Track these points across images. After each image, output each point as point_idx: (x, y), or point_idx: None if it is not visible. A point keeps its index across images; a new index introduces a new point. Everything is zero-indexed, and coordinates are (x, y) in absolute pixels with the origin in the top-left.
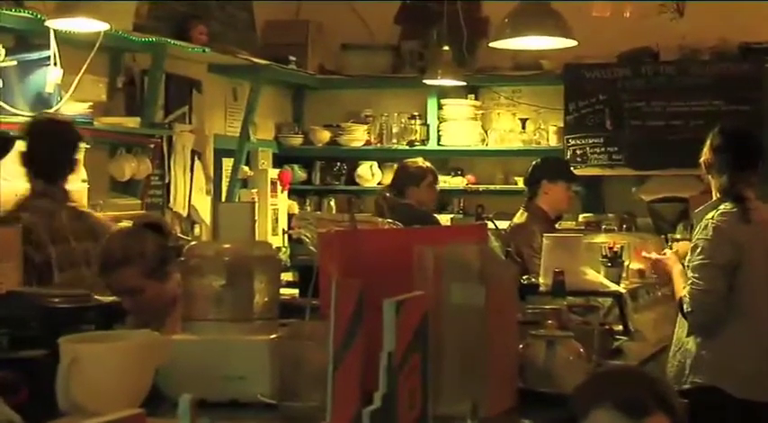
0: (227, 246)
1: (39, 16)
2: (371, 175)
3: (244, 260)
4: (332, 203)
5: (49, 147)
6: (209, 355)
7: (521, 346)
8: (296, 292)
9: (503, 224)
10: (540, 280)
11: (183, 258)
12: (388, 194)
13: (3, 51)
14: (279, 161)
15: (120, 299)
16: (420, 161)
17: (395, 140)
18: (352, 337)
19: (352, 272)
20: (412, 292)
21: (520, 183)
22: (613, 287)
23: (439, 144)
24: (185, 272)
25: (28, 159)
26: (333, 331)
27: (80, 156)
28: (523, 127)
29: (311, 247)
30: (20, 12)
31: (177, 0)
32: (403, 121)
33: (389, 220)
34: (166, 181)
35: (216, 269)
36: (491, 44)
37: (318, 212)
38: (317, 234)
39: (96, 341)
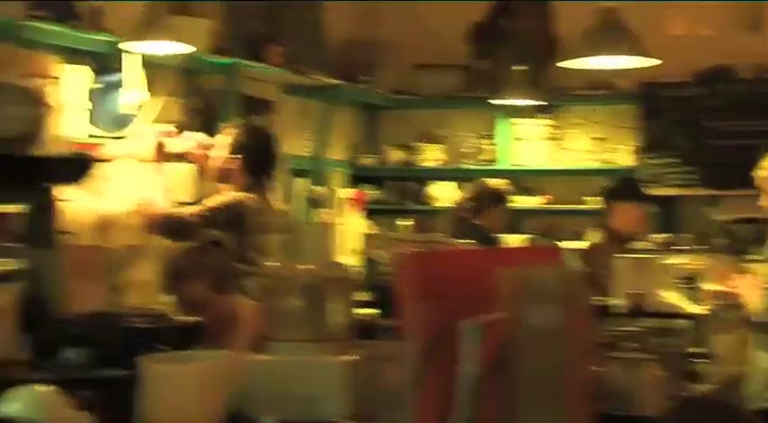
0: (304, 266)
1: (116, 39)
2: (443, 195)
3: (322, 281)
4: (404, 223)
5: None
6: (287, 375)
7: (599, 368)
8: (372, 312)
9: (575, 244)
10: (614, 301)
11: (260, 278)
12: (463, 214)
13: (91, 75)
14: (352, 181)
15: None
16: (498, 182)
17: (466, 160)
18: (431, 359)
19: (428, 293)
20: (490, 315)
21: (592, 202)
22: (691, 309)
23: (512, 164)
24: (265, 293)
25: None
26: (411, 353)
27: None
28: (597, 146)
29: (386, 268)
30: (99, 35)
31: (252, 20)
32: (474, 140)
33: (465, 241)
34: None
35: (294, 290)
36: (564, 64)
37: (394, 233)
38: (393, 254)
39: (175, 361)
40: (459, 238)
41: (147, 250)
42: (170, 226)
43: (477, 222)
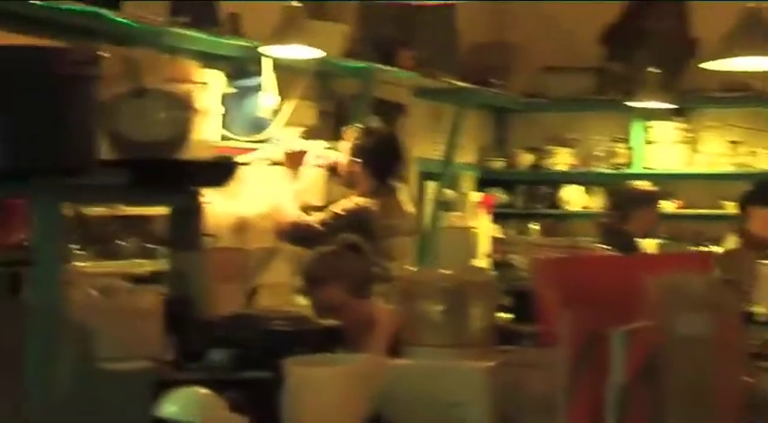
0: (446, 271)
1: (255, 44)
2: (575, 199)
3: (463, 286)
4: (535, 227)
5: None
6: (428, 381)
7: (749, 378)
8: (508, 317)
9: (711, 250)
10: (757, 309)
11: (401, 283)
12: (609, 221)
13: (225, 79)
14: (481, 184)
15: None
16: (645, 184)
17: (598, 164)
18: (582, 367)
19: (570, 299)
20: (637, 322)
21: (729, 207)
22: None
23: (644, 167)
24: (404, 297)
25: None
26: (562, 360)
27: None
28: (733, 150)
29: (523, 272)
30: (238, 40)
31: (385, 24)
32: (607, 144)
33: (605, 246)
34: None
35: (435, 295)
36: (704, 65)
37: (528, 237)
38: (532, 259)
39: (319, 364)
40: (609, 246)
41: (282, 253)
42: (296, 234)
43: (624, 228)
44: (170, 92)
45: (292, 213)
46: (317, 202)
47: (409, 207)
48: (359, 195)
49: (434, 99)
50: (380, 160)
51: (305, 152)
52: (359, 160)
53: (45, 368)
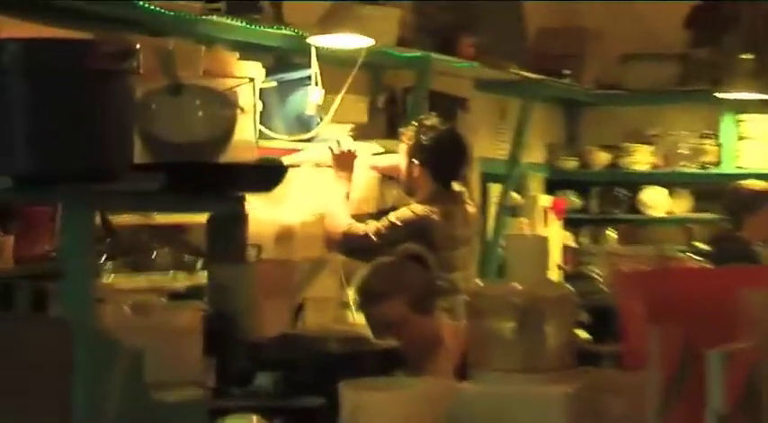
0: (518, 285)
1: (301, 33)
2: (657, 203)
3: (537, 301)
4: (612, 234)
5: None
6: (499, 407)
7: None
8: (587, 335)
9: None
10: None
11: (468, 297)
12: (722, 227)
13: (263, 72)
14: (551, 187)
15: (384, 334)
16: (757, 183)
17: (684, 162)
18: (673, 392)
19: (659, 316)
20: (736, 342)
21: None
22: None
23: (736, 167)
24: (470, 314)
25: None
26: (651, 385)
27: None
28: None
29: (600, 286)
30: (281, 29)
31: (443, 10)
32: (693, 140)
33: (698, 258)
34: None
35: (506, 312)
36: None
37: (606, 245)
38: (612, 271)
39: (379, 388)
40: (721, 255)
41: (330, 264)
42: (349, 245)
43: (738, 234)
44: (208, 87)
45: (344, 221)
46: (370, 209)
47: (474, 214)
48: (418, 202)
49: (498, 92)
50: (442, 161)
51: (355, 153)
52: (417, 162)
53: (91, 396)
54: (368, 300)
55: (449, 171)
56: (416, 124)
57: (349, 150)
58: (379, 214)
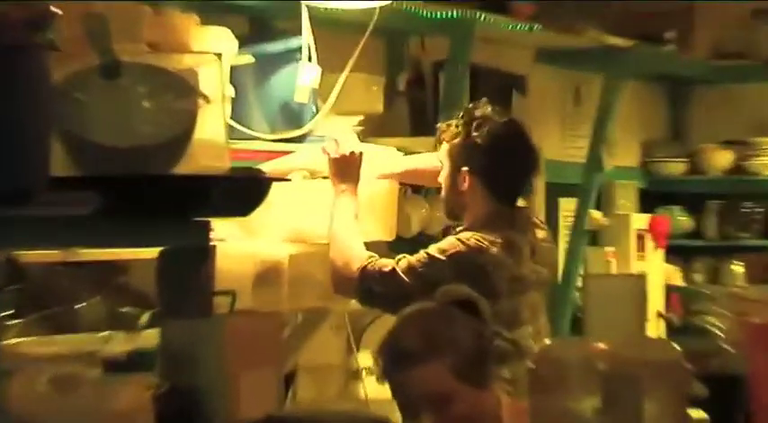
0: (601, 344)
1: None
2: None
3: (630, 368)
4: (738, 268)
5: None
6: None
7: None
8: (703, 415)
9: None
10: None
11: (535, 363)
12: None
13: (235, 43)
14: (648, 201)
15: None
16: None
17: None
18: None
19: None
20: None
21: None
22: None
23: None
24: (537, 386)
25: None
26: None
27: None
28: None
29: (724, 345)
30: None
31: None
32: None
33: None
34: None
35: (585, 383)
36: None
37: (731, 285)
38: (743, 323)
39: None
40: None
41: (334, 316)
42: (367, 287)
43: None
44: (157, 67)
45: (358, 253)
46: (385, 236)
47: (547, 242)
48: (468, 228)
49: (571, 66)
50: (504, 169)
51: (360, 156)
52: (467, 170)
53: None
54: (396, 365)
55: (513, 182)
56: (464, 115)
57: (352, 153)
58: (402, 244)
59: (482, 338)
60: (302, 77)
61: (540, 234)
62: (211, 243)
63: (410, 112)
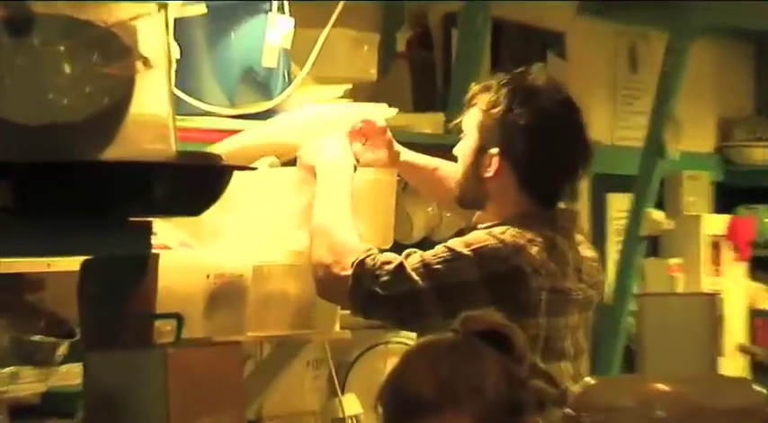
0: (663, 385)
1: None
2: None
3: (700, 415)
4: None
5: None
6: None
7: None
8: None
9: None
10: None
11: (569, 411)
12: None
13: None
14: (726, 198)
15: None
16: None
17: None
18: None
19: None
20: None
21: None
22: None
23: None
24: None
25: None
26: None
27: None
28: None
29: None
30: None
31: None
32: None
33: None
34: None
35: None
36: None
37: None
38: None
39: None
40: None
41: (310, 347)
42: (363, 288)
43: None
44: (81, 21)
45: (351, 245)
46: (380, 243)
47: (593, 260)
48: (497, 223)
49: (622, 20)
50: (546, 163)
51: (370, 125)
52: (496, 152)
53: None
54: (402, 413)
55: (555, 181)
56: (510, 81)
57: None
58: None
59: (515, 382)
60: (271, 34)
61: (587, 252)
62: (152, 251)
63: (412, 80)
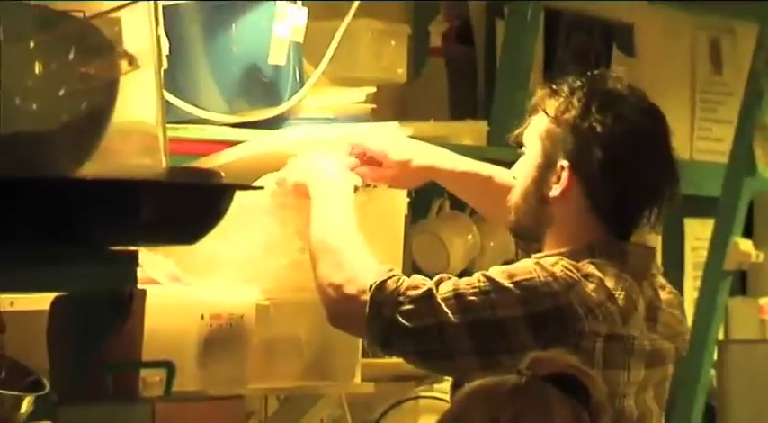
0: None
1: None
2: None
3: None
4: None
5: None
6: None
7: None
8: None
9: None
10: None
11: None
12: None
13: None
14: None
15: None
16: None
17: None
18: None
19: None
20: None
21: None
22: None
23: None
24: None
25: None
26: None
27: None
28: None
29: None
30: None
31: None
32: None
33: None
34: None
35: None
36: None
37: None
38: None
39: None
40: None
41: (326, 402)
42: (383, 319)
43: None
44: (56, 10)
45: (366, 264)
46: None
47: (673, 309)
48: (553, 254)
49: (702, 9)
50: (627, 175)
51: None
52: (567, 164)
53: None
54: None
55: (635, 204)
56: (585, 84)
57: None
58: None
59: None
60: (279, 26)
61: (666, 296)
62: (137, 286)
63: (449, 82)
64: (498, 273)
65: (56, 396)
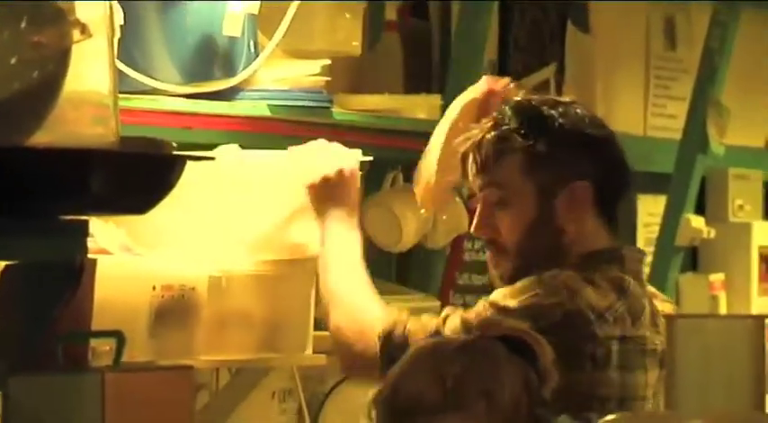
0: None
1: None
2: None
3: None
4: None
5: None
6: None
7: None
8: None
9: None
10: None
11: None
12: None
13: None
14: None
15: None
16: None
17: None
18: None
19: None
20: None
21: None
22: None
23: None
24: None
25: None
26: None
27: None
28: None
29: None
30: None
31: None
32: None
33: None
34: None
35: None
36: None
37: None
38: None
39: None
40: None
41: (277, 376)
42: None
43: None
44: None
45: (374, 313)
46: None
47: (666, 307)
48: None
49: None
50: (613, 177)
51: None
52: (582, 184)
53: None
54: (400, 414)
55: (622, 191)
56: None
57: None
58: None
59: (536, 399)
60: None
61: (662, 305)
62: (88, 256)
63: (404, 56)
64: (502, 297)
65: (5, 366)
